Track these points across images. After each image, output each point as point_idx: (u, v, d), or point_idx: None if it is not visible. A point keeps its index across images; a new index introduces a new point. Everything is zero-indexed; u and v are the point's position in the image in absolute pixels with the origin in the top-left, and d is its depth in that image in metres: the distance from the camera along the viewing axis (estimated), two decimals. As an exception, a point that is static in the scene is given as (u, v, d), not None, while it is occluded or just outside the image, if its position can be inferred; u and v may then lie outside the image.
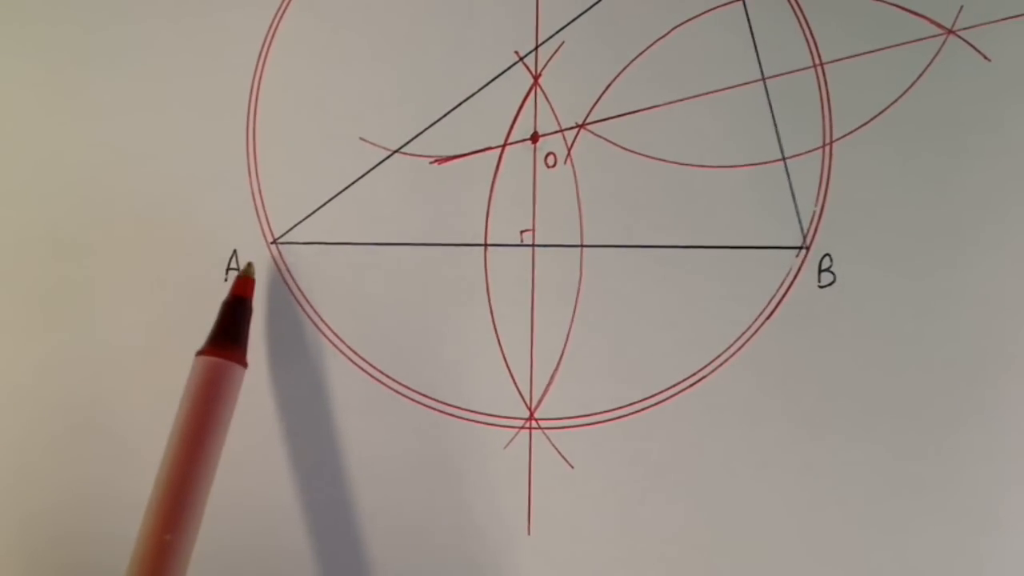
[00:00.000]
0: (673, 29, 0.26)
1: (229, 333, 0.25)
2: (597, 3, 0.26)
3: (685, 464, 0.26)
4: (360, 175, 0.27)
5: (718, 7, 0.26)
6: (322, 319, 0.27)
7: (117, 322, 0.28)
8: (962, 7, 0.26)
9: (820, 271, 0.26)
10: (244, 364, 0.25)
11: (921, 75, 0.26)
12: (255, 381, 0.27)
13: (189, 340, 0.25)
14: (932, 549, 0.25)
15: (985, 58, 0.26)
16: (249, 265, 0.27)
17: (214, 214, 0.28)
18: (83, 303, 0.29)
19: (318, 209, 0.27)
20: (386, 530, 0.26)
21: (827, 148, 0.26)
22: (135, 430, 0.28)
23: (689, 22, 0.26)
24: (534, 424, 0.26)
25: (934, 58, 0.26)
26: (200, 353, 0.25)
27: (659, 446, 0.26)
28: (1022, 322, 0.25)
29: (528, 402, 0.26)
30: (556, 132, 0.26)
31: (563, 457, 0.26)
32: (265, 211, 0.27)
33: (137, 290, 0.28)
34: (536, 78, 0.27)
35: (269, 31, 0.28)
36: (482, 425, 0.27)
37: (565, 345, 0.26)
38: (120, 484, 0.28)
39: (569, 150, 0.26)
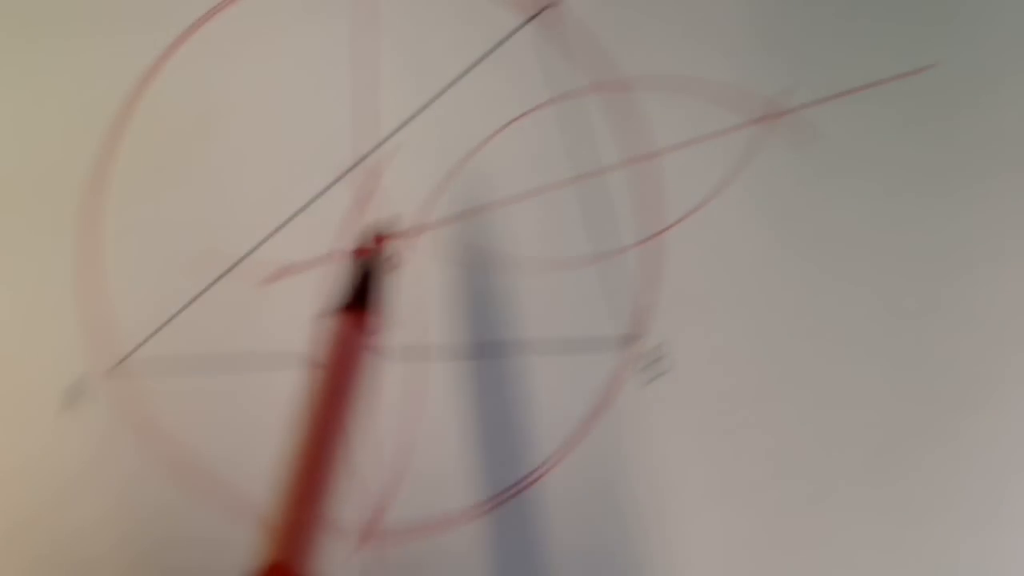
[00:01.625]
0: (499, 130, 0.26)
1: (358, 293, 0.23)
2: (428, 106, 0.26)
3: (529, 561, 0.25)
4: (201, 291, 0.27)
5: (539, 107, 0.26)
6: (166, 439, 0.27)
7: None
8: (790, 87, 0.26)
9: (650, 363, 0.25)
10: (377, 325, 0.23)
11: (752, 157, 0.26)
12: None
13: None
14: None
15: (809, 138, 0.25)
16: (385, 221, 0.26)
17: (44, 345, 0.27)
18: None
19: (155, 332, 0.27)
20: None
21: (656, 239, 0.26)
22: None
23: (515, 122, 0.26)
24: (377, 534, 0.26)
25: (765, 139, 0.26)
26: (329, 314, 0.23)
27: (505, 544, 0.26)
28: (849, 406, 0.25)
29: (371, 512, 0.26)
30: (397, 235, 0.26)
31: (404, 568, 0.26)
32: (98, 339, 0.27)
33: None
34: (363, 186, 0.26)
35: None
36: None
37: (410, 451, 0.26)
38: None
39: (408, 253, 0.26)
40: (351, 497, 0.26)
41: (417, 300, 0.26)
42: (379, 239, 0.25)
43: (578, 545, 0.25)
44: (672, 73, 0.26)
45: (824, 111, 0.25)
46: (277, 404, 0.26)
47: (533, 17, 0.26)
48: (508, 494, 0.26)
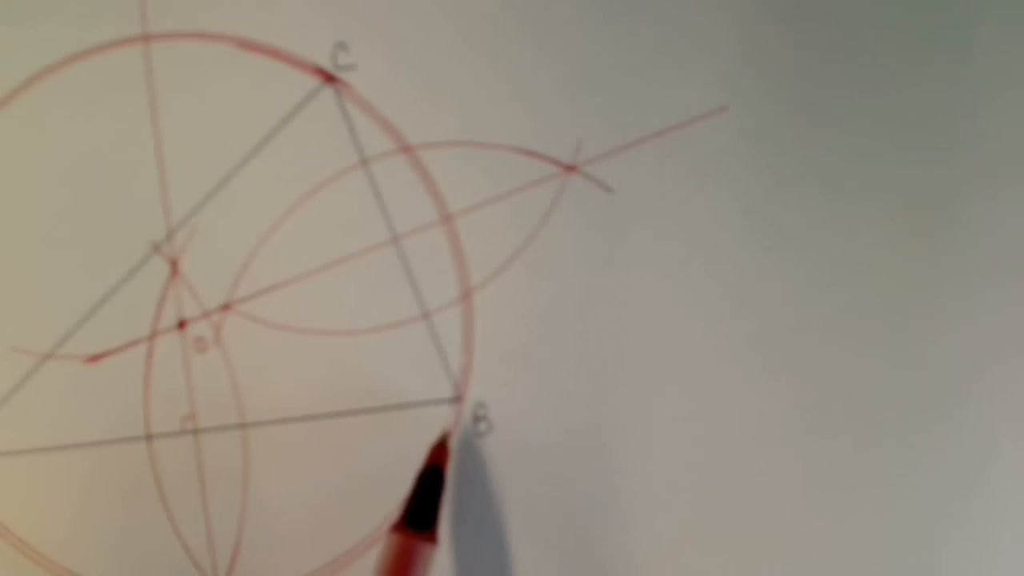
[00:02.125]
0: (298, 203, 0.26)
1: (423, 508, 0.24)
2: (233, 176, 0.26)
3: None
4: (16, 384, 0.27)
5: (342, 172, 0.26)
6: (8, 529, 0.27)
7: None
8: (579, 141, 0.26)
9: (476, 420, 0.26)
10: (435, 542, 0.24)
11: (549, 214, 0.26)
12: None
13: None
14: None
15: (607, 190, 0.26)
16: (447, 433, 0.26)
17: None
18: None
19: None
20: None
21: (467, 297, 0.26)
22: None
23: (307, 201, 0.26)
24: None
25: (559, 196, 0.26)
26: (393, 530, 0.24)
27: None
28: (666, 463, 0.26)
29: (214, 585, 0.26)
30: (201, 317, 0.26)
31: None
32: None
33: None
34: (174, 264, 0.26)
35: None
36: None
37: (241, 526, 0.26)
38: None
39: (217, 332, 0.26)
40: (195, 571, 0.26)
41: (234, 378, 0.26)
42: (441, 451, 0.25)
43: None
44: (466, 139, 0.26)
45: (614, 164, 0.26)
46: (110, 483, 0.26)
47: (331, 82, 0.26)
48: (348, 558, 0.26)
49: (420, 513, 0.24)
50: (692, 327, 0.26)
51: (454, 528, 0.26)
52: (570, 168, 0.26)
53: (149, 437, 0.27)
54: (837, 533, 0.26)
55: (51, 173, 0.27)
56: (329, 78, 0.26)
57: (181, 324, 0.27)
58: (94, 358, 0.27)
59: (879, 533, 0.26)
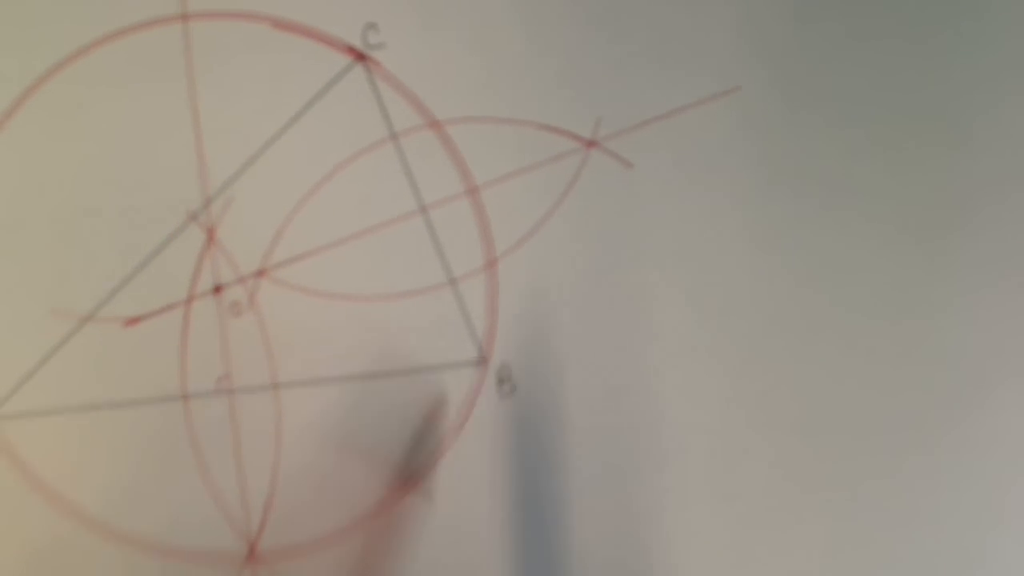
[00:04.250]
0: (330, 175, 0.28)
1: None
2: (267, 149, 0.28)
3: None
4: (56, 345, 0.28)
5: (372, 146, 0.28)
6: (44, 484, 0.28)
7: None
8: (599, 118, 0.28)
9: (500, 381, 0.28)
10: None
11: (571, 186, 0.28)
12: None
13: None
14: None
15: (626, 164, 0.28)
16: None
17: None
18: None
19: (23, 383, 0.28)
20: None
21: (492, 266, 0.28)
22: None
23: (339, 173, 0.28)
24: (256, 558, 0.28)
25: (581, 169, 0.28)
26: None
27: (378, 560, 0.27)
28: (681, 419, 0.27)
29: (248, 542, 0.28)
30: (236, 282, 0.28)
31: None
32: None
33: None
34: (210, 232, 0.28)
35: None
36: (204, 566, 0.28)
37: (273, 482, 0.28)
38: None
39: (252, 297, 0.28)
40: (227, 524, 0.28)
41: (270, 340, 0.28)
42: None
43: (447, 555, 0.27)
44: (491, 115, 0.28)
45: (632, 140, 0.28)
46: (146, 444, 0.28)
47: (362, 60, 0.28)
48: (379, 510, 0.28)
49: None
50: (708, 293, 0.28)
51: (479, 487, 0.28)
52: (591, 143, 0.28)
53: (185, 397, 0.28)
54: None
55: (93, 144, 0.28)
56: (360, 56, 0.28)
57: (217, 289, 0.28)
58: (133, 321, 0.28)
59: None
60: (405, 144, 0.28)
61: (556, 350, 0.27)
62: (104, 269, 0.28)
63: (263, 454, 0.28)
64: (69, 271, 0.28)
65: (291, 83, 0.28)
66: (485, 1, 0.27)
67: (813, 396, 0.28)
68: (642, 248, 0.28)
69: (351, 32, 0.28)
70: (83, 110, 0.28)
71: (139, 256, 0.28)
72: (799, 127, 0.28)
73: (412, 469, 0.27)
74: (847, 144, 0.28)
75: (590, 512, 0.28)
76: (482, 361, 0.28)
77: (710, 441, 0.28)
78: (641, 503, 0.28)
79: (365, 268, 0.28)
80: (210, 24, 0.28)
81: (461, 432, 0.27)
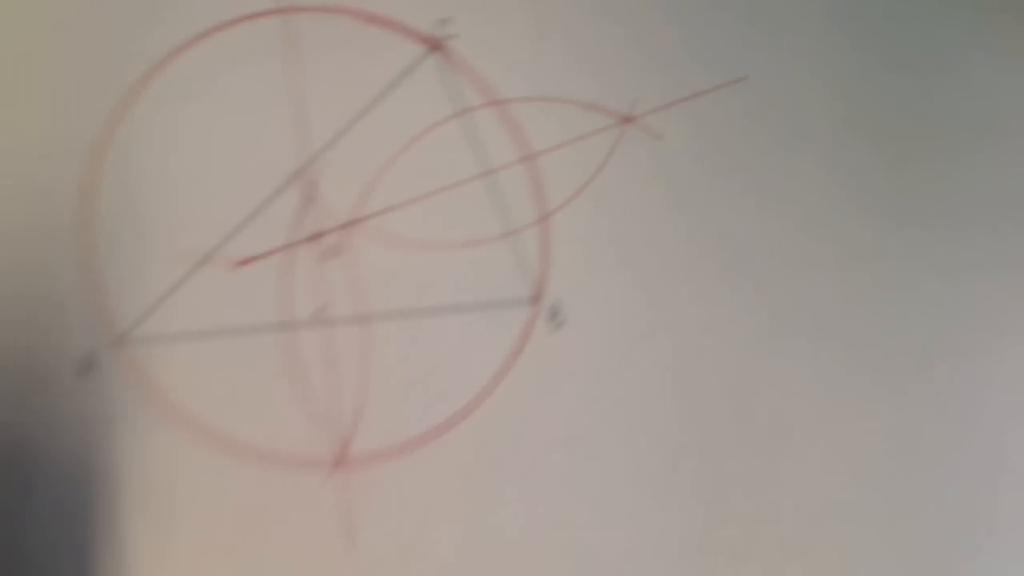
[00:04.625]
0: (409, 144, 0.33)
1: None
2: (357, 121, 0.33)
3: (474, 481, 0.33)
4: (180, 279, 0.33)
5: (445, 120, 0.33)
6: (163, 395, 0.33)
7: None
8: (635, 98, 0.33)
9: (551, 316, 0.33)
10: None
11: (611, 154, 0.33)
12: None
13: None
14: None
15: (657, 136, 0.33)
16: None
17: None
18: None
19: (148, 312, 0.33)
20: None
21: (546, 220, 0.33)
22: None
23: (418, 141, 0.33)
24: (348, 462, 0.33)
25: (619, 141, 0.33)
26: None
27: (451, 466, 0.33)
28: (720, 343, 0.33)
29: (340, 448, 0.33)
30: (332, 230, 0.33)
31: (371, 486, 0.33)
32: (109, 313, 0.33)
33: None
34: (310, 191, 0.33)
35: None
36: (301, 468, 0.33)
37: (364, 396, 0.33)
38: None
39: (345, 242, 0.33)
40: (321, 433, 0.33)
41: (360, 278, 0.33)
42: None
43: (513, 462, 0.33)
44: (545, 95, 0.33)
45: (664, 116, 0.33)
46: (253, 367, 0.33)
47: (436, 49, 0.33)
48: (452, 423, 0.33)
49: None
50: (723, 243, 0.34)
51: (525, 413, 0.33)
52: (628, 119, 0.33)
53: (288, 325, 0.33)
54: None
55: (207, 115, 0.33)
56: (435, 45, 0.33)
57: (314, 236, 0.33)
58: (244, 262, 0.33)
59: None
60: (471, 118, 0.33)
61: (601, 292, 0.33)
62: (220, 219, 0.33)
63: (352, 374, 0.33)
64: (191, 221, 0.33)
65: (377, 66, 0.33)
66: (540, 2, 0.33)
67: (846, 329, 0.34)
68: (670, 204, 0.33)
69: (428, 24, 0.33)
70: (198, 87, 0.33)
71: (252, 208, 0.33)
72: (794, 110, 0.34)
73: None
74: (841, 121, 0.34)
75: (634, 432, 0.33)
76: (535, 299, 0.33)
77: (728, 368, 0.34)
78: (677, 423, 0.33)
79: (438, 220, 0.33)
80: (303, 16, 0.33)
81: (519, 357, 0.33)
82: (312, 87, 0.33)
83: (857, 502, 0.33)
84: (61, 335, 0.33)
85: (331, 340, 0.33)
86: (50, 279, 0.33)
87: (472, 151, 0.33)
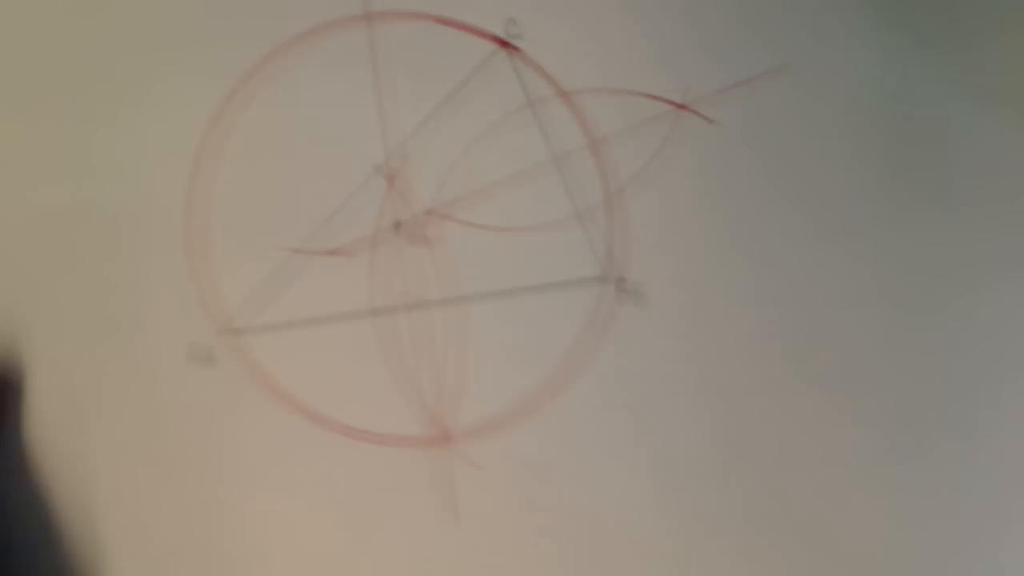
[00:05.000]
0: (481, 136, 0.36)
1: None
2: (432, 116, 0.36)
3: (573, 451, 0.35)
4: (272, 272, 0.36)
5: (514, 112, 0.36)
6: (269, 380, 0.36)
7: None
8: (688, 87, 0.36)
9: (619, 292, 0.36)
10: None
11: (667, 139, 0.36)
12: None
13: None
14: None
15: (710, 121, 0.36)
16: None
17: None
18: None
19: (257, 302, 0.36)
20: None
21: (610, 201, 0.36)
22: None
23: (493, 128, 0.36)
24: (450, 439, 0.36)
25: (675, 126, 0.36)
26: None
27: (552, 441, 0.35)
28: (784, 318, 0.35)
29: (443, 424, 0.36)
30: (412, 219, 0.36)
31: (474, 463, 0.35)
32: (214, 304, 0.36)
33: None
34: (391, 180, 0.36)
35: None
36: (407, 447, 0.36)
37: (462, 376, 0.36)
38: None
39: (424, 230, 0.36)
40: (419, 405, 0.35)
41: (446, 263, 0.36)
42: None
43: (608, 431, 0.35)
44: (606, 86, 0.36)
45: (715, 103, 0.36)
46: (351, 351, 0.36)
47: (505, 47, 0.36)
48: (544, 398, 0.35)
49: None
50: (774, 218, 0.36)
51: (624, 366, 0.35)
52: (681, 107, 0.36)
53: (374, 311, 0.36)
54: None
55: (303, 118, 0.36)
56: (503, 43, 0.36)
57: (397, 224, 0.36)
58: (333, 252, 0.36)
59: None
60: (539, 109, 0.36)
61: (664, 268, 0.36)
62: (311, 213, 0.36)
63: (446, 355, 0.36)
64: (284, 214, 0.36)
65: (451, 64, 0.36)
66: (598, 1, 0.36)
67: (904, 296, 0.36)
68: (724, 185, 0.36)
69: (496, 25, 0.36)
70: (294, 88, 0.36)
71: (338, 201, 0.36)
72: (837, 100, 0.36)
73: None
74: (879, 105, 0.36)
75: (703, 397, 0.35)
76: (604, 278, 0.36)
77: (795, 333, 0.36)
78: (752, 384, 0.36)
79: (511, 206, 0.36)
80: (387, 21, 0.36)
81: (599, 329, 0.35)
82: (394, 85, 0.36)
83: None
84: (175, 323, 0.36)
85: (423, 323, 0.36)
86: (162, 271, 0.36)
87: (540, 139, 0.36)
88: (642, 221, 0.36)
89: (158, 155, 0.36)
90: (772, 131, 0.36)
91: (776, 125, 0.36)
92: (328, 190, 0.36)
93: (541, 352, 0.36)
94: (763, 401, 0.35)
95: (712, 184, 0.36)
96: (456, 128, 0.36)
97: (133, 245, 0.36)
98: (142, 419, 0.36)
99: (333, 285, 0.36)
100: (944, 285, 0.36)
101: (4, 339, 0.36)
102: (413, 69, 0.36)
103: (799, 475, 0.35)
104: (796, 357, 0.35)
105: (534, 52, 0.36)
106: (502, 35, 0.36)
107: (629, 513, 0.35)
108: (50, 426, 0.36)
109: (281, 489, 0.36)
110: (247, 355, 0.35)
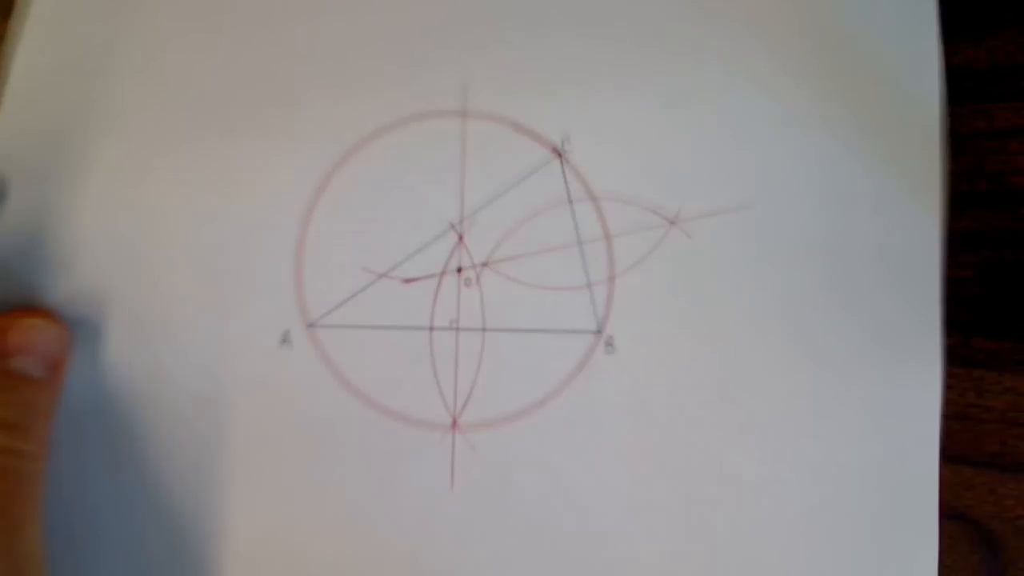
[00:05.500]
0: (531, 217, 0.49)
1: None
2: (500, 196, 0.49)
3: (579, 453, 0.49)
4: (357, 290, 0.48)
5: (557, 204, 0.49)
6: (341, 369, 0.48)
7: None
8: (680, 209, 0.50)
9: (607, 345, 0.49)
10: None
11: (660, 242, 0.50)
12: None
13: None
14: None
15: (689, 236, 0.50)
16: None
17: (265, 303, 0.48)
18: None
19: (336, 308, 0.48)
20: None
21: (612, 280, 0.50)
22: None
23: (540, 213, 0.49)
24: (457, 427, 0.48)
25: (665, 236, 0.50)
26: None
27: (530, 440, 0.49)
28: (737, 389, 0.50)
29: (452, 416, 0.48)
30: (471, 267, 0.49)
31: (472, 446, 0.48)
32: (305, 304, 0.48)
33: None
34: (461, 237, 0.49)
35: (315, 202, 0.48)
36: (424, 428, 0.48)
37: (476, 379, 0.49)
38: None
39: (478, 277, 0.49)
40: (439, 398, 0.48)
41: (484, 303, 0.49)
42: None
43: (574, 440, 0.49)
44: (622, 195, 0.50)
45: (702, 223, 0.50)
46: (404, 353, 0.48)
47: (557, 155, 0.49)
48: (532, 410, 0.49)
49: None
50: (724, 316, 0.50)
51: (587, 408, 0.49)
52: (672, 222, 0.50)
53: (431, 328, 0.48)
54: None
55: (398, 182, 0.48)
56: (558, 153, 0.49)
57: (459, 270, 0.49)
58: (409, 280, 0.48)
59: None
60: (574, 205, 0.50)
61: (646, 331, 0.50)
62: (398, 249, 0.48)
63: (472, 365, 0.49)
64: (377, 247, 0.48)
65: (517, 160, 0.49)
66: (628, 130, 0.50)
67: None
68: (696, 281, 0.50)
69: (554, 137, 0.49)
70: (394, 158, 0.48)
71: (419, 244, 0.48)
72: (797, 242, 0.51)
73: None
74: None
75: (668, 445, 0.49)
76: (599, 332, 0.49)
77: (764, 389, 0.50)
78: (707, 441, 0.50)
79: (541, 269, 0.49)
80: (476, 119, 0.49)
81: (582, 370, 0.49)
82: (472, 168, 0.49)
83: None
84: (270, 316, 0.48)
85: (458, 342, 0.49)
86: (269, 277, 0.48)
87: (572, 227, 0.49)
88: (629, 298, 0.50)
89: (288, 186, 0.48)
90: (736, 251, 0.51)
91: (739, 247, 0.51)
92: (412, 236, 0.49)
93: (539, 376, 0.49)
94: (700, 433, 0.50)
95: (682, 283, 0.50)
96: (512, 207, 0.49)
97: (250, 250, 0.48)
98: (234, 386, 0.47)
99: (402, 304, 0.48)
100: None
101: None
102: (489, 157, 0.49)
103: (733, 488, 0.50)
104: (726, 401, 0.50)
105: (578, 162, 0.50)
106: (558, 146, 0.50)
107: (593, 496, 0.49)
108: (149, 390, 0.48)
109: (329, 452, 0.48)
110: (321, 347, 0.48)
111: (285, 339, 0.48)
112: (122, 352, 0.48)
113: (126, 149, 0.49)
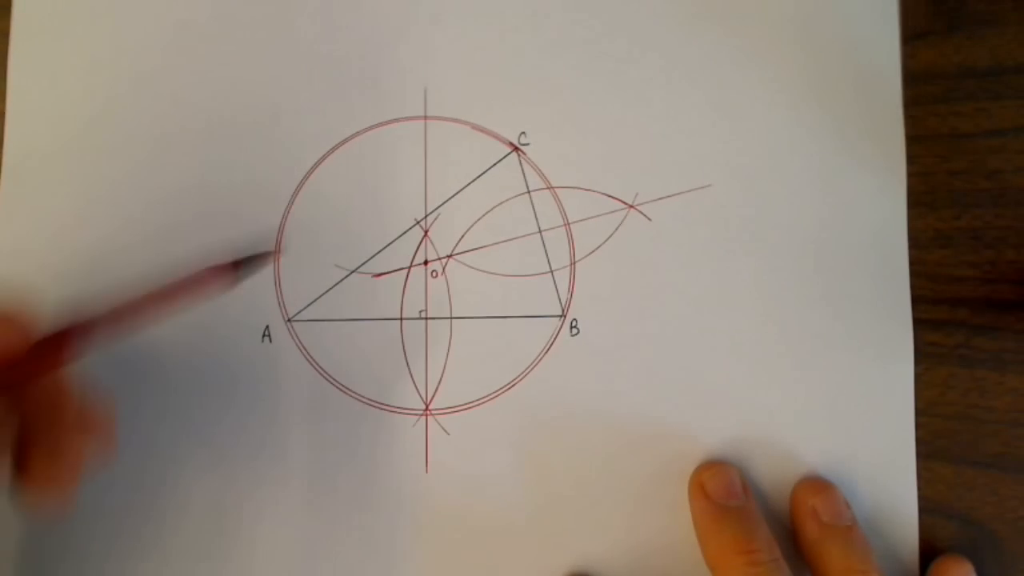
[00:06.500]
0: (492, 209, 0.52)
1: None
2: (461, 191, 0.52)
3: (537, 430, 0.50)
4: (331, 286, 0.51)
5: (516, 196, 0.52)
6: (318, 364, 0.51)
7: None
8: (637, 193, 0.52)
9: (571, 327, 0.51)
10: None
11: (619, 226, 0.52)
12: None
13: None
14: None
15: (648, 219, 0.52)
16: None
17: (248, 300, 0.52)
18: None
19: (310, 304, 0.51)
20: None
21: (573, 265, 0.51)
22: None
23: (501, 205, 0.52)
24: (429, 412, 0.51)
25: (624, 219, 0.52)
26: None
27: (499, 421, 0.50)
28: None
29: (424, 401, 0.51)
30: (436, 259, 0.51)
31: (444, 429, 0.50)
32: (284, 301, 0.52)
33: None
34: (426, 232, 0.52)
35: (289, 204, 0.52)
36: (398, 413, 0.51)
37: (445, 366, 0.51)
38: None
39: (444, 269, 0.51)
40: (412, 385, 0.50)
41: (450, 293, 0.51)
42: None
43: (540, 420, 0.50)
44: (581, 185, 0.52)
45: (658, 206, 0.52)
46: (378, 345, 0.51)
47: (516, 150, 0.52)
48: (499, 393, 0.50)
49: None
50: (683, 293, 0.51)
51: (551, 390, 0.51)
52: (630, 206, 0.52)
53: (402, 319, 0.51)
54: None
55: (366, 182, 0.52)
56: (515, 148, 0.52)
57: (426, 262, 0.51)
58: (379, 275, 0.51)
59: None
60: (534, 197, 0.52)
61: (607, 312, 0.51)
62: (367, 246, 0.52)
63: (441, 353, 0.51)
64: (348, 244, 0.52)
65: (477, 158, 0.52)
66: (583, 124, 0.52)
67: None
68: (656, 262, 0.51)
69: (512, 134, 0.52)
70: (363, 161, 0.52)
71: (387, 240, 0.52)
72: (755, 215, 0.52)
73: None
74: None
75: (632, 419, 0.50)
76: (563, 316, 0.51)
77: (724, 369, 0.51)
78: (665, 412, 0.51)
79: (504, 259, 0.51)
80: (438, 123, 0.52)
81: (548, 352, 0.51)
82: (437, 166, 0.52)
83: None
84: (251, 312, 0.51)
85: (428, 331, 0.51)
86: (251, 277, 0.51)
87: (532, 216, 0.52)
88: (591, 281, 0.51)
89: (267, 192, 0.52)
90: (697, 231, 0.52)
91: (700, 226, 0.52)
92: (380, 232, 0.52)
93: (506, 361, 0.51)
94: (666, 408, 0.51)
95: (644, 263, 0.52)
96: (475, 202, 0.52)
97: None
98: (219, 375, 0.51)
99: (374, 297, 0.51)
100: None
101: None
102: (451, 157, 0.52)
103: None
104: (692, 375, 0.51)
105: (535, 156, 0.52)
106: (515, 142, 0.52)
107: (562, 475, 0.50)
108: (146, 381, 0.51)
109: (315, 436, 0.51)
110: (299, 339, 0.51)
111: (266, 334, 0.51)
112: (114, 352, 0.52)
113: (117, 158, 0.54)
